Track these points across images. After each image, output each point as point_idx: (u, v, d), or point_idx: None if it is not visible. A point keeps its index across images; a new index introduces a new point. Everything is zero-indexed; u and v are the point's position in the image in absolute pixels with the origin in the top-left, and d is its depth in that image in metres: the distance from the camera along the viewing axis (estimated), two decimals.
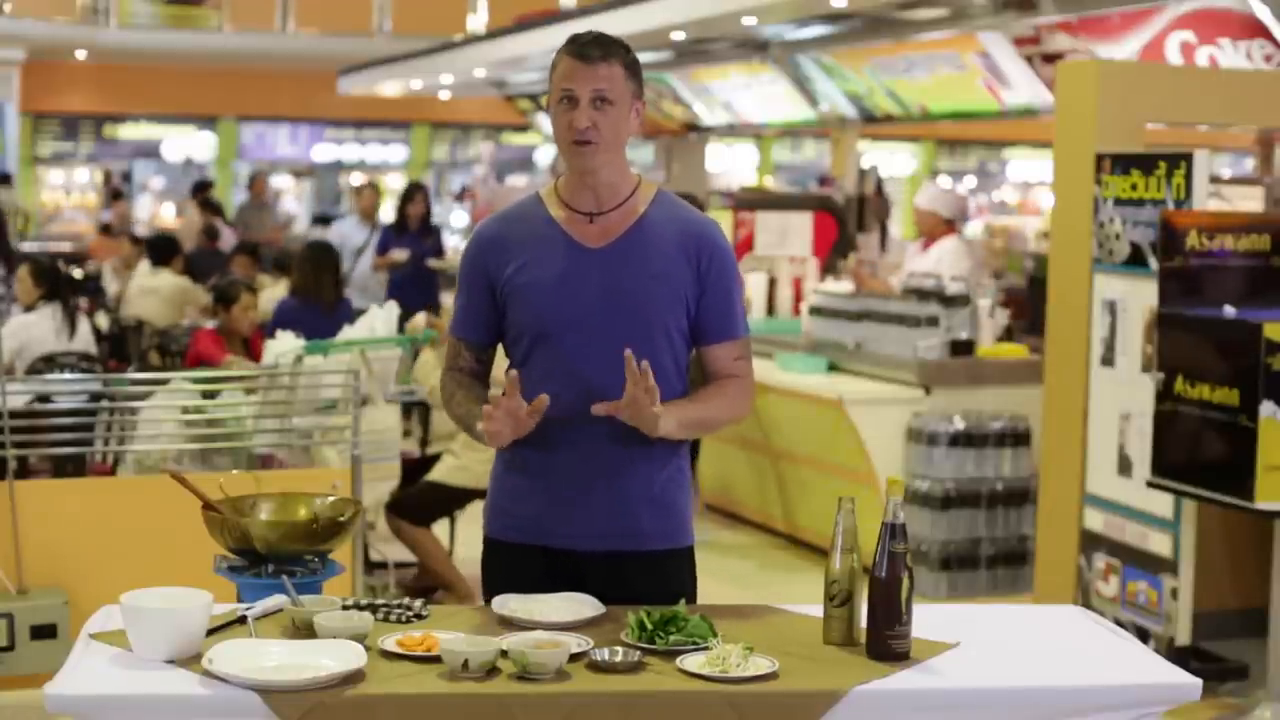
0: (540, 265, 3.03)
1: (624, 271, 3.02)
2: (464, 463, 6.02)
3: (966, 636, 2.88)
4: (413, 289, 10.20)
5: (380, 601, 2.97)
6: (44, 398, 6.04)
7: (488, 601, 3.04)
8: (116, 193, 21.63)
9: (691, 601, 3.05)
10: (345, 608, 2.86)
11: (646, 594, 2.99)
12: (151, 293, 9.87)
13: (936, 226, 7.87)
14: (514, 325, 3.07)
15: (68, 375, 6.87)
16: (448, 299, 9.71)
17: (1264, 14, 7.60)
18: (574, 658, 2.65)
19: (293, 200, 22.80)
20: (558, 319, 3.01)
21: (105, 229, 13.47)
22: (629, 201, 3.08)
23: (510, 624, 2.86)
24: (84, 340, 7.79)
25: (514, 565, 3.10)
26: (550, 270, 3.03)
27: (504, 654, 2.62)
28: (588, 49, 3.01)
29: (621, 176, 3.08)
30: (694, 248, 3.06)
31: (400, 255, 10.73)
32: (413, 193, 11.31)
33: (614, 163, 3.04)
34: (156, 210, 21.93)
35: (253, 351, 7.42)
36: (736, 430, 7.47)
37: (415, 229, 11.01)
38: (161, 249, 10.59)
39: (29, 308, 7.78)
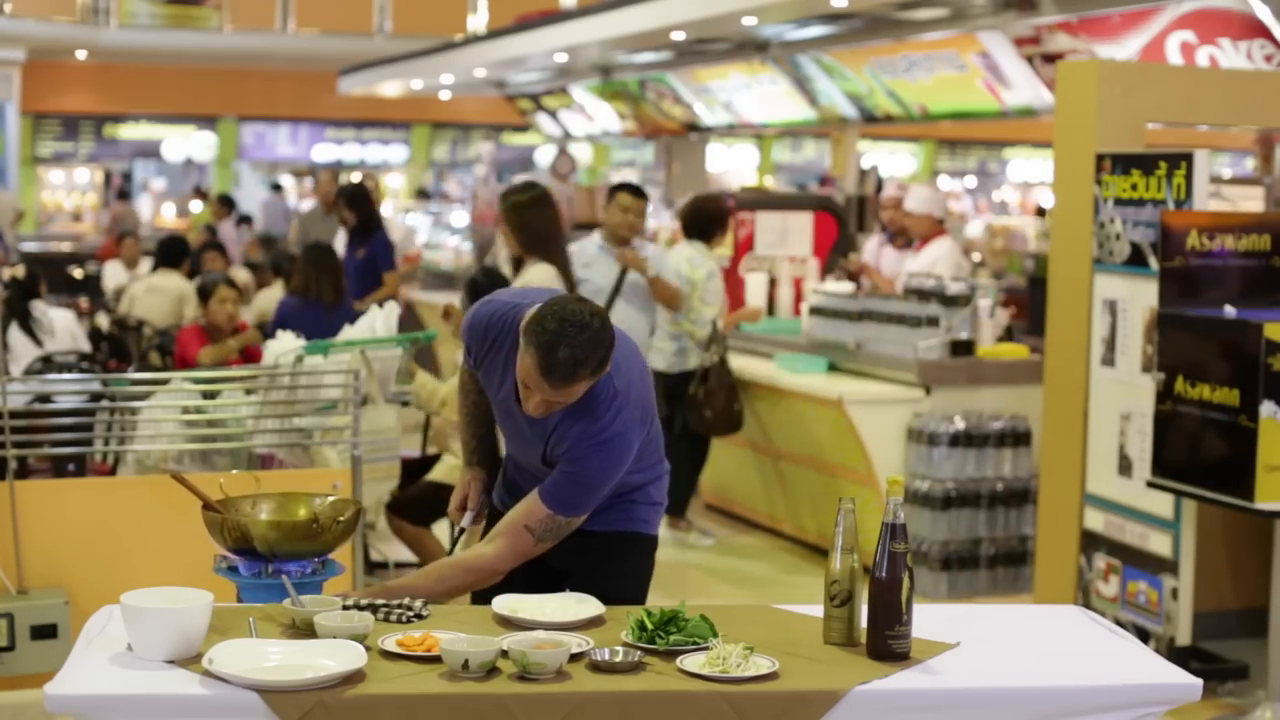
0: (490, 385, 3.33)
1: (539, 440, 3.23)
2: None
3: (966, 636, 2.88)
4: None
5: (380, 601, 2.97)
6: (44, 398, 6.04)
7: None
8: (122, 193, 21.66)
9: (639, 586, 3.38)
10: (345, 608, 2.86)
11: (591, 570, 3.26)
12: (156, 292, 9.88)
13: (930, 228, 7.88)
14: None
15: (67, 375, 6.87)
16: (448, 297, 9.63)
17: (1264, 14, 7.61)
18: (574, 658, 2.66)
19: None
20: (500, 420, 3.41)
21: (122, 237, 13.46)
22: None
23: (510, 624, 2.86)
24: (63, 341, 7.79)
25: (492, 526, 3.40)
26: (495, 395, 3.34)
27: (504, 654, 2.62)
28: (555, 371, 2.98)
29: None
30: (577, 430, 3.15)
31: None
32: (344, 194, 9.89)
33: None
34: (157, 210, 21.93)
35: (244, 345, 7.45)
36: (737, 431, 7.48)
37: (351, 235, 9.60)
38: (171, 251, 10.59)
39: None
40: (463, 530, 3.55)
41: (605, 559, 3.31)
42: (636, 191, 7.29)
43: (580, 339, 2.97)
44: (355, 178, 18.72)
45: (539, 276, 5.52)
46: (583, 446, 3.13)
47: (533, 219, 5.70)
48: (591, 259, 7.11)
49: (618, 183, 7.58)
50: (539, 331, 2.98)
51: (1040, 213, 18.67)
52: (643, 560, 3.42)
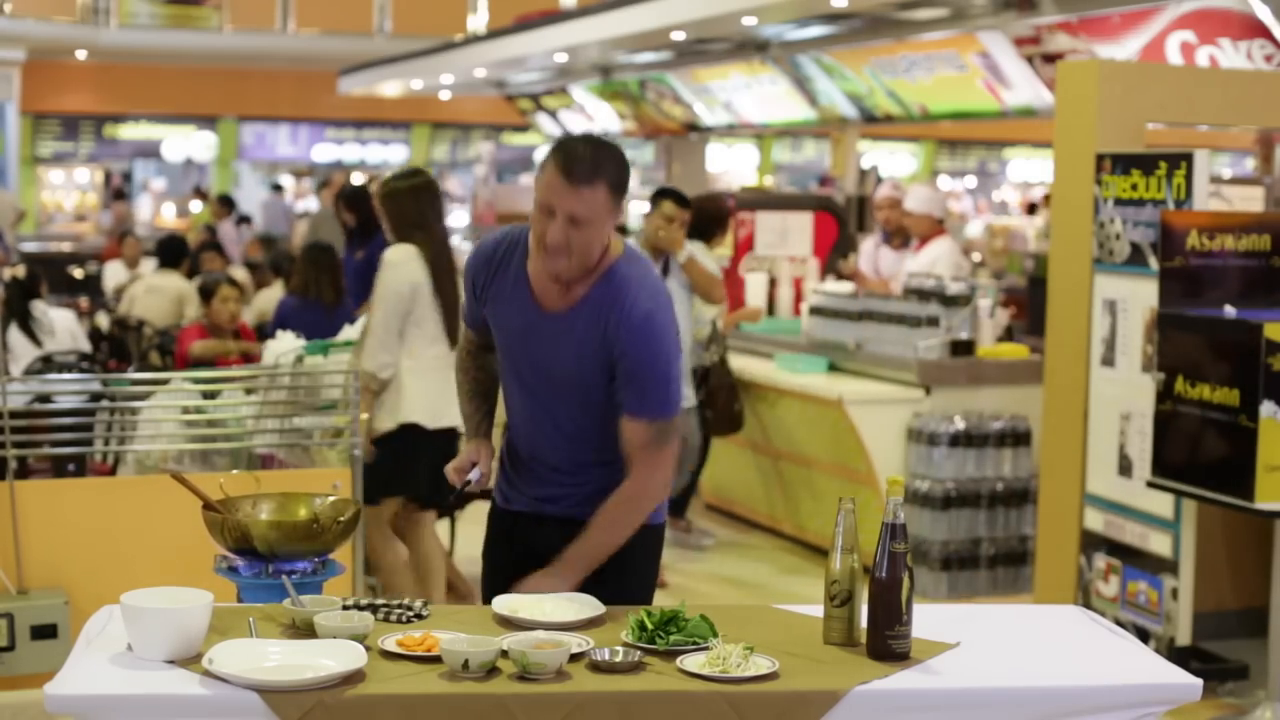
0: (503, 309, 3.23)
1: (565, 341, 3.15)
2: None
3: (966, 636, 2.88)
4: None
5: (380, 601, 2.97)
6: (44, 398, 6.04)
7: (485, 559, 3.41)
8: (119, 193, 21.64)
9: (650, 575, 3.33)
10: (345, 608, 2.86)
11: (602, 566, 3.19)
12: (156, 292, 9.88)
13: (930, 228, 7.89)
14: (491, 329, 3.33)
15: (67, 375, 6.87)
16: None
17: (1264, 14, 7.61)
18: (574, 658, 2.66)
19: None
20: (511, 358, 3.26)
21: (123, 236, 13.46)
22: (594, 272, 3.15)
23: (510, 624, 2.86)
24: (63, 341, 7.79)
25: (493, 524, 3.41)
26: (509, 320, 3.23)
27: (504, 654, 2.62)
28: (575, 167, 3.01)
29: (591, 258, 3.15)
30: (614, 332, 3.11)
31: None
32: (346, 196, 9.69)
33: (582, 266, 3.11)
34: (157, 210, 21.93)
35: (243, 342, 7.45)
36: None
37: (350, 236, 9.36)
38: (170, 251, 10.60)
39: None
40: (463, 492, 3.36)
41: (619, 554, 3.25)
42: (680, 199, 6.89)
43: (600, 143, 3.06)
44: (356, 178, 18.66)
45: (397, 255, 5.48)
46: (636, 340, 3.10)
47: (405, 204, 5.54)
48: None
49: (660, 188, 7.13)
50: (560, 142, 3.08)
51: (1031, 209, 18.68)
52: (656, 551, 3.38)
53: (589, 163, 3.01)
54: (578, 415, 3.21)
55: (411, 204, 5.52)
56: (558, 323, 3.15)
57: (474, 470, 3.32)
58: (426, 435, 5.40)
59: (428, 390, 5.39)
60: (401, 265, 5.41)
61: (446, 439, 5.43)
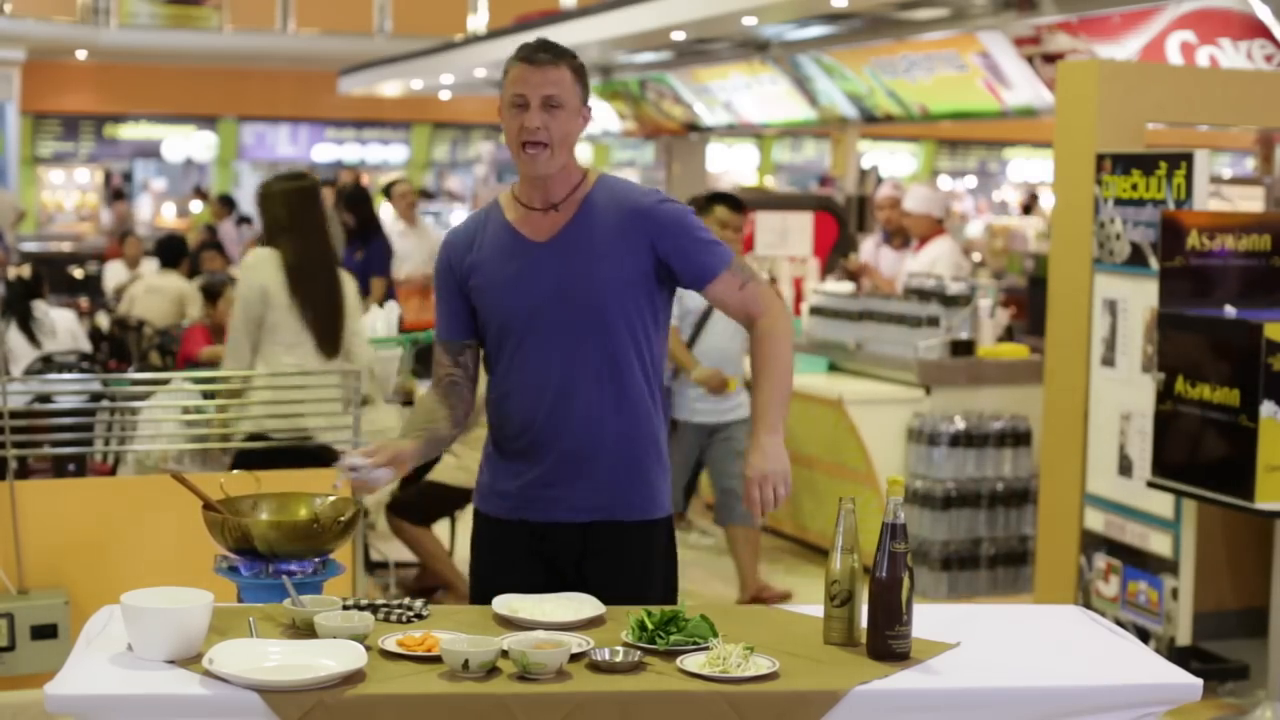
0: (494, 265, 3.15)
1: (572, 261, 3.10)
2: (464, 463, 6.02)
3: (966, 636, 2.87)
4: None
5: (380, 601, 2.97)
6: (44, 398, 6.04)
7: (474, 575, 3.24)
8: (118, 193, 21.64)
9: (671, 573, 3.22)
10: (345, 608, 2.86)
11: (623, 564, 3.13)
12: (156, 292, 9.88)
13: (930, 228, 7.89)
14: (483, 325, 3.19)
15: (67, 375, 6.87)
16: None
17: (1264, 14, 7.61)
18: (574, 658, 2.65)
19: None
20: (515, 316, 3.12)
21: (124, 236, 13.46)
22: (575, 193, 3.15)
23: (510, 624, 2.86)
24: (64, 341, 7.78)
25: (499, 539, 3.22)
26: (503, 270, 3.14)
27: (504, 654, 2.62)
28: (537, 54, 3.08)
29: (570, 173, 3.15)
30: (638, 221, 3.11)
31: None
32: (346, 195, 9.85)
33: (564, 164, 3.12)
34: (157, 210, 21.93)
35: None
36: None
37: (350, 237, 9.45)
38: (170, 251, 10.59)
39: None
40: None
41: (649, 545, 3.20)
42: (735, 204, 6.34)
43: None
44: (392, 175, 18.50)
45: (251, 260, 5.38)
46: (667, 217, 3.12)
47: (276, 207, 5.41)
48: None
49: (713, 193, 6.61)
50: (517, 48, 3.09)
51: (1027, 210, 18.70)
52: (672, 545, 3.26)
53: (549, 49, 3.08)
54: (613, 350, 3.08)
55: (282, 207, 5.38)
56: (556, 246, 3.11)
57: (357, 460, 3.02)
58: (276, 456, 5.08)
59: (278, 399, 5.19)
60: (252, 270, 5.30)
61: (297, 451, 5.14)
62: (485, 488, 3.26)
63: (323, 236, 5.47)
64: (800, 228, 8.84)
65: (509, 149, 3.13)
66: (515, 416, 3.15)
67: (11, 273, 8.96)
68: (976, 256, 13.90)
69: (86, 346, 8.26)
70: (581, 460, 3.13)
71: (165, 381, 5.35)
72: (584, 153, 22.36)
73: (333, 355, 5.33)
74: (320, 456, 5.06)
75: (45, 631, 4.37)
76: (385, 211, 11.37)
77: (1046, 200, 19.53)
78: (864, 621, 2.78)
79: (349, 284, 5.51)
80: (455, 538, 6.67)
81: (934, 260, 7.70)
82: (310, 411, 5.10)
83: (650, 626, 2.75)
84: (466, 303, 3.19)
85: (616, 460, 3.14)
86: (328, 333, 5.31)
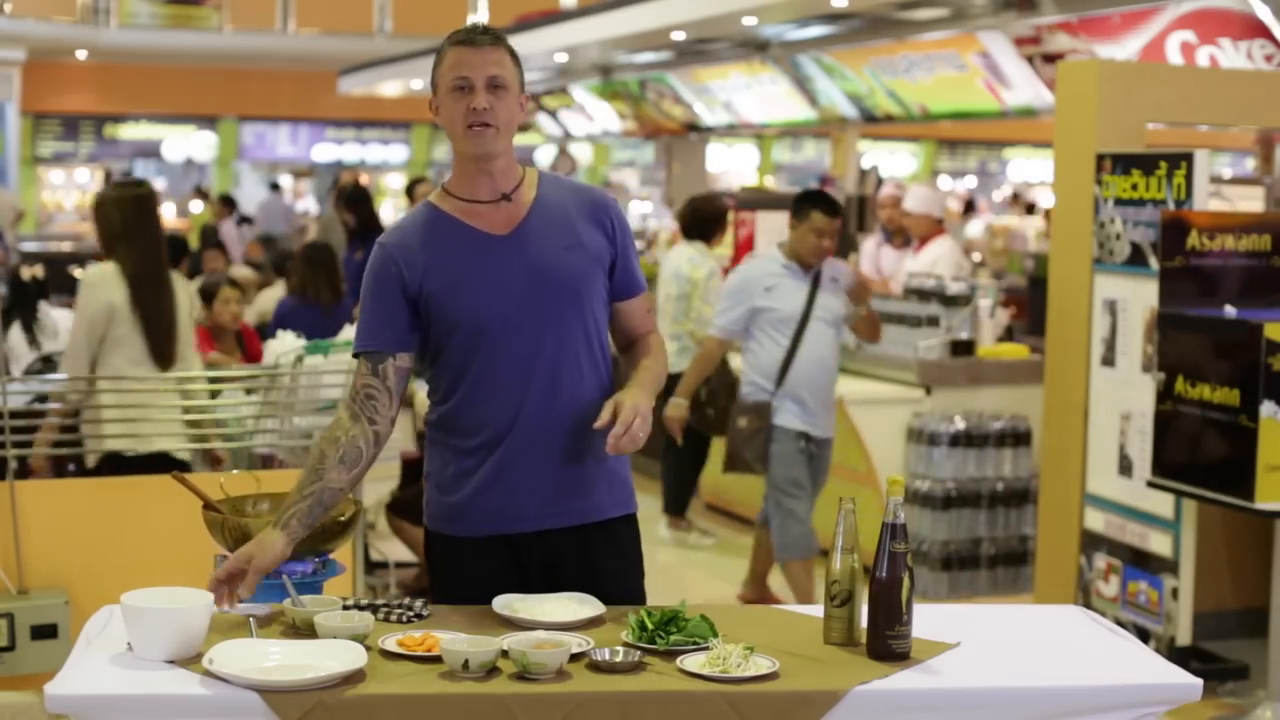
0: (456, 265, 3.03)
1: (540, 248, 3.07)
2: None
3: (966, 636, 2.88)
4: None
5: (380, 601, 2.97)
6: (44, 398, 6.04)
7: (438, 598, 3.10)
8: None
9: (637, 567, 3.22)
10: (345, 608, 2.86)
11: (605, 562, 3.13)
12: None
13: (930, 228, 7.89)
14: (443, 331, 3.04)
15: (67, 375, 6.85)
16: None
17: (1264, 14, 7.61)
18: (574, 658, 2.65)
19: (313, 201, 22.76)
20: (488, 312, 3.01)
21: None
22: (522, 186, 3.13)
23: (510, 624, 2.86)
24: (64, 341, 7.77)
25: (476, 559, 3.10)
26: (467, 268, 3.03)
27: (504, 654, 2.62)
28: (476, 36, 3.04)
29: (514, 163, 3.14)
30: (600, 214, 3.14)
31: None
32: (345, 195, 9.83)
33: (509, 149, 3.11)
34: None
35: (246, 345, 7.43)
36: None
37: (350, 236, 9.56)
38: (171, 251, 10.58)
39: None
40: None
41: (627, 542, 3.21)
42: (832, 208, 5.94)
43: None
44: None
45: (92, 276, 5.29)
46: (621, 219, 3.19)
47: (111, 216, 5.31)
48: (775, 282, 5.98)
49: (806, 192, 6.26)
50: (449, 35, 3.07)
51: (1030, 209, 18.70)
52: (637, 539, 3.27)
53: (487, 31, 3.06)
54: (588, 331, 3.08)
55: (118, 216, 5.29)
56: (522, 236, 3.06)
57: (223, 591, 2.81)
58: (130, 464, 5.01)
59: (129, 415, 5.06)
60: (95, 287, 5.20)
61: (155, 467, 4.91)
62: (453, 507, 3.11)
63: (158, 245, 5.40)
64: None
65: (450, 136, 3.06)
66: (492, 420, 3.03)
67: (25, 273, 8.95)
68: (977, 256, 13.90)
69: None
70: (558, 450, 3.06)
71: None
72: (585, 153, 22.34)
73: (169, 365, 5.29)
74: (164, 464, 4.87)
75: (45, 631, 4.37)
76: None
77: (1038, 200, 19.58)
78: (864, 621, 2.78)
79: (182, 292, 5.47)
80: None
81: (934, 260, 7.71)
82: (163, 419, 4.98)
83: (650, 626, 2.75)
84: (408, 311, 3.03)
85: (593, 453, 3.07)
86: (166, 343, 5.25)
